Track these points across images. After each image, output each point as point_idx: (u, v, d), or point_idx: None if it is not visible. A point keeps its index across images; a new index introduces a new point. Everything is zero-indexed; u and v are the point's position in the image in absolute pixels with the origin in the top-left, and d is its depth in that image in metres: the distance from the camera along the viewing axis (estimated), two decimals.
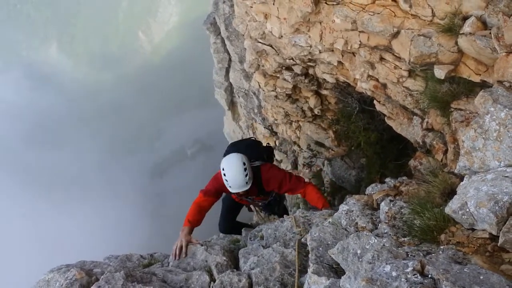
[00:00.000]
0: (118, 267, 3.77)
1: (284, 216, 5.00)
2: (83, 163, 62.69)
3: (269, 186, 4.74)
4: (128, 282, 3.31)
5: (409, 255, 2.25)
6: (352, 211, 3.63)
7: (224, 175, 4.36)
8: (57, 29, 79.32)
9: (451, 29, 3.53)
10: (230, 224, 5.50)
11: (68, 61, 79.42)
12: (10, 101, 69.76)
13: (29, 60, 77.09)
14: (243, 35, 7.40)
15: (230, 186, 4.39)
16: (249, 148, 4.96)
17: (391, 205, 3.28)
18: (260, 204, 5.47)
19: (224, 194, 5.27)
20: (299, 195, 5.24)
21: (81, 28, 79.71)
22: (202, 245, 4.06)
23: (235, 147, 5.04)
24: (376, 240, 2.56)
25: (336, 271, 2.76)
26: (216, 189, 4.59)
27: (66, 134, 67.92)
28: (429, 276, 1.89)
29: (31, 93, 71.67)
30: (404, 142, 5.83)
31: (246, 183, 4.37)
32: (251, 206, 5.79)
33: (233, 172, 4.33)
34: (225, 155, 4.85)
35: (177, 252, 3.99)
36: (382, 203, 3.34)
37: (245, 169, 4.34)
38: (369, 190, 4.82)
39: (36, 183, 58.14)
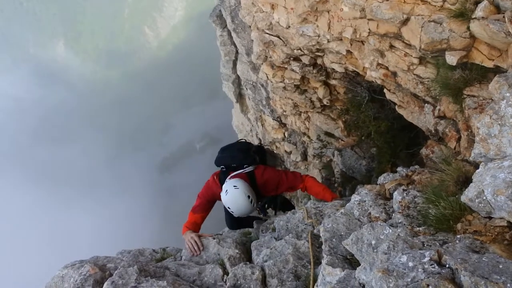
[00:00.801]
0: (131, 262, 3.77)
1: (296, 207, 4.95)
2: (92, 159, 63.26)
3: (267, 189, 4.70)
4: (142, 277, 3.31)
5: (425, 245, 2.21)
6: (365, 201, 3.59)
7: (229, 208, 4.31)
8: (63, 26, 79.69)
9: (463, 14, 3.45)
10: (237, 224, 5.51)
11: (76, 58, 79.86)
12: (19, 98, 70.47)
13: (37, 58, 77.63)
14: (250, 26, 7.35)
15: (233, 212, 4.39)
16: (241, 152, 4.86)
17: (404, 194, 3.24)
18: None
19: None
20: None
21: (88, 24, 80.00)
22: (214, 239, 4.06)
23: (226, 152, 4.94)
24: (390, 230, 2.53)
25: (351, 262, 2.74)
26: (208, 200, 4.56)
27: (75, 130, 68.52)
28: (447, 266, 1.86)
29: (40, 90, 72.27)
30: (415, 130, 5.77)
31: (253, 206, 4.37)
32: None
33: (239, 207, 4.29)
34: (216, 161, 4.80)
35: (195, 248, 3.99)
36: (395, 193, 3.29)
37: (249, 197, 4.27)
38: (380, 179, 4.77)
39: (45, 179, 58.83)
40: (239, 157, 4.69)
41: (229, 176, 4.46)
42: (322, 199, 4.92)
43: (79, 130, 68.52)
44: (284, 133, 11.14)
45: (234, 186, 4.22)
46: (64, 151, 64.29)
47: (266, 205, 5.53)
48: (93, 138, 66.73)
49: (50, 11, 78.19)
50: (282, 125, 10.82)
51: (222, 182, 4.46)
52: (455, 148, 3.90)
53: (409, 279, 1.84)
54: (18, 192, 55.09)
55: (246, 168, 4.57)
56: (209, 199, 4.55)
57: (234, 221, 5.41)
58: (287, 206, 5.78)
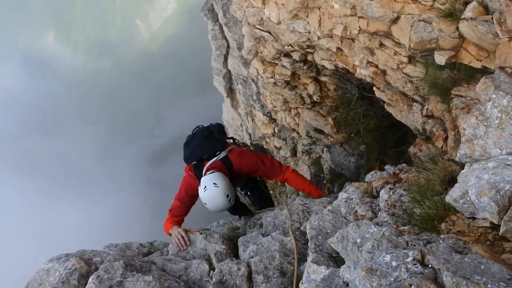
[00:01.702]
0: (117, 256, 3.76)
1: (283, 204, 4.90)
2: (82, 151, 62.77)
3: (242, 172, 4.58)
4: (128, 271, 3.30)
5: (409, 244, 2.23)
6: (352, 199, 3.60)
7: (205, 204, 4.20)
8: (54, 16, 78.69)
9: (452, 14, 3.47)
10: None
11: (66, 48, 78.97)
12: (7, 88, 69.47)
13: (26, 48, 76.67)
14: (241, 21, 7.32)
15: (210, 208, 4.28)
16: (207, 141, 4.62)
17: (391, 193, 3.25)
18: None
19: None
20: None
21: (79, 15, 79.08)
22: (201, 234, 4.05)
23: (192, 146, 4.62)
24: (376, 229, 2.54)
25: (336, 260, 2.75)
26: (190, 199, 4.44)
27: (64, 122, 67.90)
28: (430, 266, 1.88)
29: (29, 81, 71.43)
30: (404, 129, 5.79)
31: (230, 203, 4.27)
32: None
33: (217, 204, 4.20)
34: (186, 159, 4.61)
35: (182, 242, 3.96)
36: (382, 191, 3.31)
37: (227, 196, 4.17)
38: (368, 177, 4.79)
39: (33, 171, 58.21)
40: (208, 146, 4.52)
41: (205, 168, 4.32)
42: (309, 195, 4.90)
43: (69, 122, 67.90)
44: (274, 129, 11.14)
45: (214, 184, 4.09)
46: (53, 143, 63.67)
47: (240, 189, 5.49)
48: (83, 130, 66.17)
49: (40, 1, 77.13)
50: (272, 120, 10.82)
51: (198, 175, 4.35)
52: (442, 147, 3.92)
53: (392, 279, 1.85)
54: (4, 185, 54.48)
55: (219, 155, 4.44)
56: (190, 198, 4.43)
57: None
58: (265, 201, 5.68)
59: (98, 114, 68.67)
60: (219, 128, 5.10)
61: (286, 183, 4.73)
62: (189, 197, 4.41)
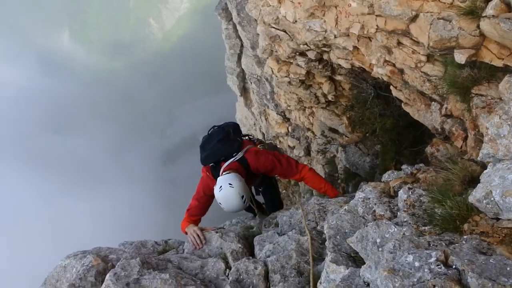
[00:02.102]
0: (133, 254, 3.77)
1: (298, 203, 4.86)
2: (96, 149, 63.44)
3: (259, 171, 4.56)
4: (144, 269, 3.32)
5: (431, 245, 2.20)
6: (369, 198, 3.57)
7: (220, 203, 4.19)
8: (69, 16, 79.61)
9: (473, 12, 3.41)
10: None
11: (81, 48, 79.85)
12: (24, 87, 70.52)
13: (42, 47, 77.70)
14: (256, 20, 7.31)
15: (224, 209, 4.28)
16: (223, 143, 4.58)
17: (410, 193, 3.21)
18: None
19: None
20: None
21: (93, 15, 79.91)
22: (216, 232, 4.05)
23: (209, 149, 4.59)
24: (396, 229, 2.52)
25: (355, 260, 2.73)
26: (208, 199, 4.45)
27: (79, 120, 68.69)
28: (454, 266, 1.85)
29: (44, 80, 72.43)
30: (422, 129, 5.73)
31: (245, 205, 4.25)
32: None
33: (231, 205, 4.19)
34: (203, 161, 4.57)
35: (197, 241, 3.97)
36: (401, 191, 3.27)
37: (242, 197, 4.16)
38: (385, 177, 4.75)
39: (49, 168, 58.96)
40: (225, 148, 4.50)
41: (221, 169, 4.33)
42: (324, 194, 4.84)
43: (83, 120, 68.69)
44: (287, 128, 11.12)
45: (230, 184, 4.10)
46: (68, 141, 64.48)
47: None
48: (97, 128, 66.89)
49: (56, 1, 78.05)
50: (286, 119, 10.80)
51: (215, 176, 4.35)
52: (461, 147, 3.87)
53: (415, 279, 1.83)
54: (21, 181, 55.33)
55: (236, 156, 4.42)
56: (207, 198, 4.43)
57: None
58: (274, 205, 5.65)
59: (112, 112, 69.35)
60: (235, 128, 5.05)
61: (302, 182, 4.63)
62: (206, 197, 4.43)
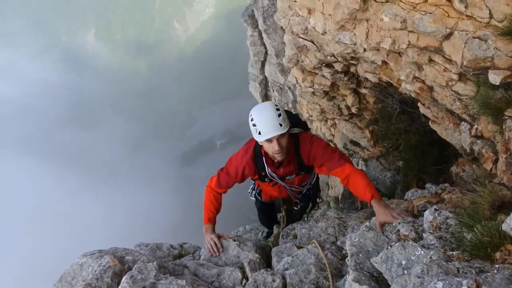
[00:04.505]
0: (149, 256, 3.77)
1: (313, 240, 3.91)
2: (115, 146, 64.46)
3: (309, 157, 3.81)
4: (161, 274, 3.31)
5: (461, 272, 2.13)
6: None
7: (252, 119, 3.55)
8: (95, 15, 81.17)
9: (511, 32, 3.34)
10: (273, 222, 5.36)
11: (105, 47, 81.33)
12: (47, 80, 72.09)
13: (68, 45, 79.40)
14: (282, 28, 7.29)
15: (260, 132, 3.50)
16: (292, 114, 4.22)
17: (436, 214, 3.13)
18: (297, 193, 4.64)
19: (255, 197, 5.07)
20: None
21: (119, 15, 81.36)
22: (234, 241, 4.02)
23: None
24: (422, 252, 2.45)
25: (377, 280, 2.66)
26: (236, 174, 3.91)
27: (100, 117, 69.90)
28: None
29: (68, 76, 74.08)
30: (448, 148, 5.63)
31: (280, 124, 3.45)
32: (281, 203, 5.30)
33: (265, 114, 3.50)
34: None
35: (214, 249, 3.89)
36: (427, 212, 3.19)
37: (278, 110, 3.51)
38: (408, 195, 4.68)
39: (69, 163, 60.02)
40: (293, 116, 4.12)
41: None
42: (360, 198, 4.05)
43: (104, 117, 69.83)
44: None
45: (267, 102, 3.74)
46: (88, 135, 65.64)
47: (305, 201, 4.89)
48: (117, 126, 67.93)
49: (83, 0, 79.73)
50: (307, 130, 10.73)
51: (256, 151, 3.85)
52: (491, 170, 3.77)
53: None
54: (43, 173, 56.41)
55: (294, 129, 3.78)
56: (237, 173, 3.92)
57: (266, 214, 5.24)
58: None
59: (133, 111, 70.31)
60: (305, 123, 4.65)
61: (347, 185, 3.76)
62: (236, 174, 3.96)
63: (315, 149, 3.74)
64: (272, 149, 3.58)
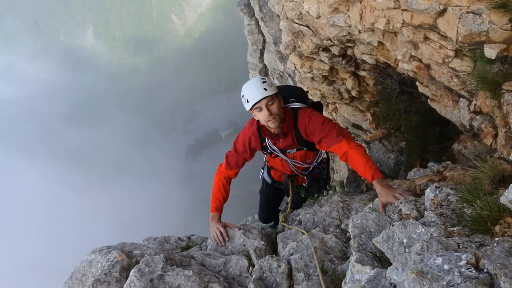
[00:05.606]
0: (157, 250, 3.80)
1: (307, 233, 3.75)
2: (119, 143, 64.68)
3: (307, 132, 3.77)
4: (168, 265, 3.33)
5: (461, 247, 2.13)
6: None
7: (243, 95, 3.61)
8: (92, 13, 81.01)
9: (505, 5, 3.29)
10: (272, 215, 5.31)
11: (104, 45, 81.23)
12: (50, 82, 72.29)
13: (67, 44, 79.41)
14: (279, 16, 7.24)
15: (248, 100, 3.56)
16: (292, 89, 4.20)
17: (437, 191, 3.13)
18: (304, 173, 4.60)
19: (263, 182, 5.04)
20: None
21: (116, 12, 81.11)
22: (240, 229, 4.05)
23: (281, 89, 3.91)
24: (423, 229, 2.46)
25: (380, 260, 2.67)
26: (244, 148, 3.94)
27: (103, 115, 70.12)
28: (485, 270, 1.78)
29: (69, 75, 74.22)
30: (449, 126, 5.61)
31: (265, 89, 3.48)
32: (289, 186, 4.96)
33: (250, 83, 3.61)
34: None
35: (220, 239, 3.93)
36: (427, 190, 3.19)
37: (263, 79, 3.60)
38: (411, 175, 4.67)
39: (74, 161, 60.36)
40: (297, 89, 4.14)
41: None
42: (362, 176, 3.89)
43: (107, 115, 70.05)
44: None
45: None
46: (92, 133, 65.94)
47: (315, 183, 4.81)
48: (121, 123, 68.15)
49: (80, 0, 79.57)
50: None
51: (259, 127, 3.87)
52: (491, 145, 3.75)
53: (444, 283, 1.78)
54: (50, 172, 56.79)
55: (292, 103, 3.87)
56: (245, 147, 3.95)
57: (269, 203, 5.19)
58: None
59: (135, 107, 70.43)
60: (318, 103, 4.56)
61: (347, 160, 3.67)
62: (244, 148, 3.99)
63: (313, 124, 3.71)
64: (264, 117, 3.58)
